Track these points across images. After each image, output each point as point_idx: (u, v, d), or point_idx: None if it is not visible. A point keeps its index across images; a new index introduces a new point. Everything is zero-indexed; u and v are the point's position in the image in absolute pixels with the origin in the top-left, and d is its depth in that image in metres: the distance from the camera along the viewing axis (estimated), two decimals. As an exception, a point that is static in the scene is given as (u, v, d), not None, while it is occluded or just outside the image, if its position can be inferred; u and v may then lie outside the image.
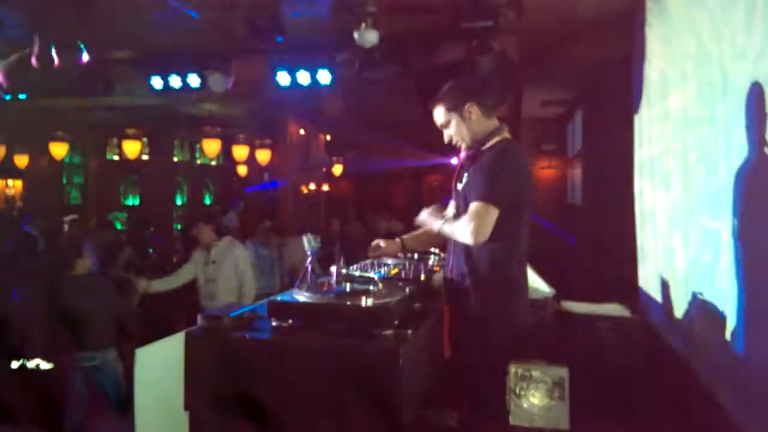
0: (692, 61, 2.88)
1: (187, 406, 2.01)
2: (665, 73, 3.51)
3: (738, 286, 2.24)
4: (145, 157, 10.15)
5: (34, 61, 2.91)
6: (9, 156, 9.52)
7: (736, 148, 2.22)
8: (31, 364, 3.72)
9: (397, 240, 2.67)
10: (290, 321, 2.01)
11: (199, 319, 2.09)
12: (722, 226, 2.40)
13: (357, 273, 2.45)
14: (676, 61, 3.23)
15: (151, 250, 7.44)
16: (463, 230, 2.21)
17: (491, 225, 2.15)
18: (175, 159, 10.97)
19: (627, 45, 4.56)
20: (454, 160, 7.98)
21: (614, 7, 4.48)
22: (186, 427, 2.02)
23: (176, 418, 2.01)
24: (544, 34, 5.12)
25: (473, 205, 2.19)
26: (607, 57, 5.31)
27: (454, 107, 2.34)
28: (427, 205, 2.56)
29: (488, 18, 4.60)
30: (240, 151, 8.83)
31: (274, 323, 2.02)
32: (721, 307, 2.45)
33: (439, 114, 2.39)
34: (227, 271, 4.56)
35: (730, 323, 2.34)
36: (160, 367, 2.02)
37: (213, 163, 11.51)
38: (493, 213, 2.15)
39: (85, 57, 3.14)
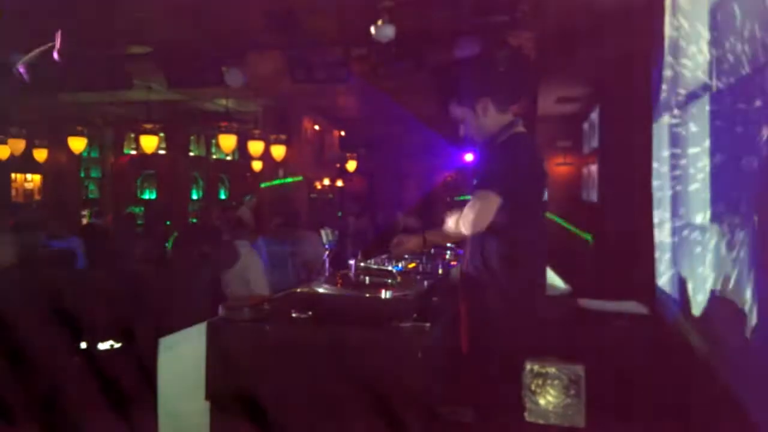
0: (713, 56, 2.85)
1: (209, 395, 2.04)
2: (685, 69, 3.48)
3: (757, 283, 2.22)
4: (162, 152, 10.24)
5: (56, 55, 2.95)
6: (28, 150, 9.65)
7: (758, 145, 2.20)
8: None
9: (420, 236, 2.65)
10: (310, 312, 2.02)
11: (221, 309, 2.11)
12: (741, 223, 2.37)
13: (374, 266, 2.47)
14: (696, 56, 3.20)
15: (168, 244, 7.50)
16: (462, 220, 2.21)
17: (491, 213, 2.14)
18: (192, 154, 11.05)
19: (646, 40, 4.52)
20: (469, 157, 7.97)
21: (633, 0, 4.44)
22: (207, 416, 2.05)
23: (198, 408, 2.04)
24: (561, 29, 5.08)
25: (473, 195, 2.20)
26: (626, 53, 5.26)
27: (468, 102, 2.34)
28: (441, 201, 2.58)
29: (505, 13, 4.59)
30: (255, 147, 8.88)
31: (294, 314, 2.04)
32: (740, 305, 2.43)
33: (454, 108, 2.40)
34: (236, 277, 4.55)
35: (750, 321, 2.32)
36: (183, 357, 2.04)
37: (228, 158, 11.58)
38: (494, 200, 2.14)
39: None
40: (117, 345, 6.65)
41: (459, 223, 2.25)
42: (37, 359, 3.54)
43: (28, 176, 13.72)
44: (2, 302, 3.41)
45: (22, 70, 3.06)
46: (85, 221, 9.65)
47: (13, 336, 3.42)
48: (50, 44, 2.88)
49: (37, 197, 12.27)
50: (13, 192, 13.26)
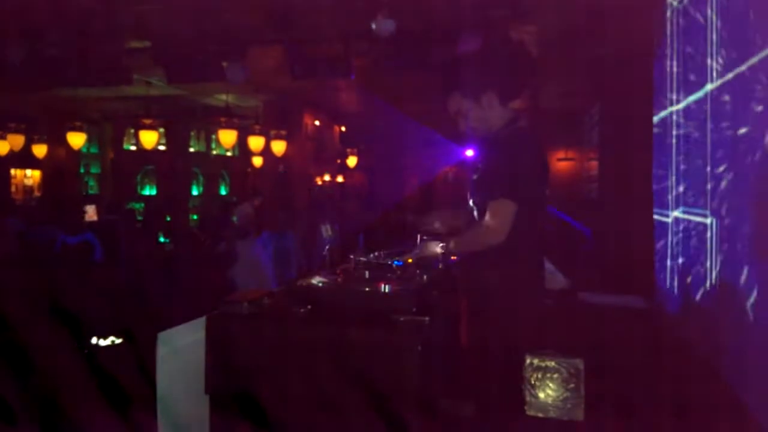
0: (713, 53, 2.85)
1: (208, 389, 2.04)
2: (686, 64, 3.47)
3: (756, 278, 2.22)
4: (161, 148, 10.23)
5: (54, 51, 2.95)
6: (27, 146, 9.64)
7: (757, 141, 2.19)
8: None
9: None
10: (309, 306, 2.02)
11: (221, 304, 2.12)
12: (740, 218, 2.37)
13: (374, 261, 2.46)
14: (697, 52, 3.19)
15: (168, 240, 7.51)
16: (483, 232, 2.21)
17: (510, 221, 2.15)
18: (192, 149, 11.04)
19: (647, 36, 4.51)
20: (469, 152, 7.96)
21: (635, -4, 4.43)
22: (207, 410, 2.05)
23: (198, 402, 2.04)
24: (562, 24, 5.07)
25: (491, 204, 2.19)
26: (627, 49, 5.25)
27: (472, 95, 2.33)
28: (441, 197, 2.55)
29: (507, 7, 4.57)
30: (255, 142, 8.87)
31: (294, 308, 2.04)
32: (738, 299, 2.43)
33: (456, 101, 2.38)
34: (243, 270, 4.58)
35: (748, 315, 2.32)
36: (182, 351, 2.04)
37: (229, 153, 11.58)
38: (512, 208, 2.15)
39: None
40: (118, 341, 6.68)
41: (476, 236, 2.25)
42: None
43: (28, 172, 13.72)
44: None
45: (21, 65, 3.05)
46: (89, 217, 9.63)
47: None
48: (50, 40, 2.87)
49: (36, 193, 12.28)
50: (13, 188, 13.26)
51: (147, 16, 5.12)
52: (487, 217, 2.19)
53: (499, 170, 2.21)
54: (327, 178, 10.86)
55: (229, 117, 8.49)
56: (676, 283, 3.66)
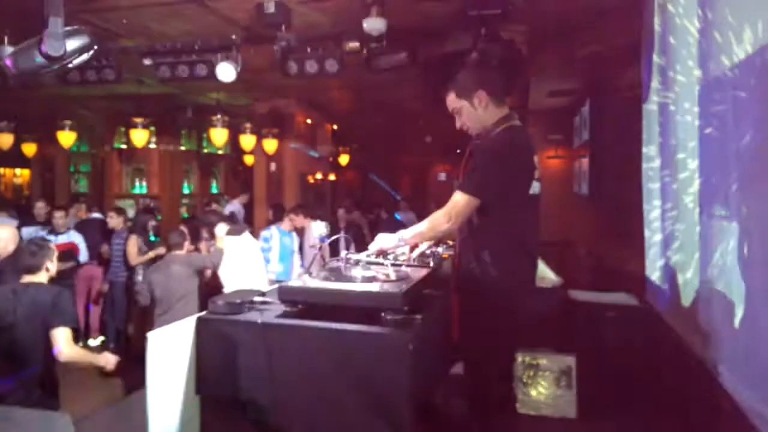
0: (700, 48, 2.86)
1: (199, 390, 2.03)
2: (675, 60, 3.49)
3: (747, 274, 2.24)
4: (152, 146, 10.17)
5: (43, 48, 2.92)
6: (17, 145, 9.55)
7: (747, 138, 2.21)
8: None
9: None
10: (300, 306, 2.02)
11: (210, 304, 2.11)
12: (731, 214, 2.39)
13: (366, 259, 2.46)
14: (685, 47, 3.21)
15: (158, 239, 7.47)
16: (430, 219, 2.29)
17: (466, 213, 2.23)
18: (182, 148, 10.98)
19: (635, 33, 4.52)
20: (459, 150, 7.98)
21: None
22: (198, 411, 2.04)
23: (188, 402, 2.03)
24: (552, 22, 5.08)
25: (454, 195, 2.25)
26: (616, 46, 5.27)
27: (465, 94, 2.36)
28: (434, 195, 2.58)
29: (496, 6, 4.57)
30: (247, 141, 8.84)
31: (284, 308, 2.04)
32: (729, 295, 2.45)
33: (451, 100, 2.42)
34: (233, 265, 4.56)
35: (738, 312, 2.34)
36: (172, 352, 2.03)
37: (220, 152, 11.52)
38: (472, 203, 2.21)
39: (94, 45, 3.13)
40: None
41: (434, 221, 2.29)
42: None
43: (17, 171, 13.61)
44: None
45: (8, 63, 3.02)
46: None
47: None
48: (38, 37, 2.84)
49: (26, 192, 12.18)
50: (2, 187, 13.14)
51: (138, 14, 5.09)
52: (447, 205, 2.26)
53: (472, 170, 2.26)
54: (319, 176, 10.84)
55: (220, 115, 8.45)
56: (667, 280, 3.68)
